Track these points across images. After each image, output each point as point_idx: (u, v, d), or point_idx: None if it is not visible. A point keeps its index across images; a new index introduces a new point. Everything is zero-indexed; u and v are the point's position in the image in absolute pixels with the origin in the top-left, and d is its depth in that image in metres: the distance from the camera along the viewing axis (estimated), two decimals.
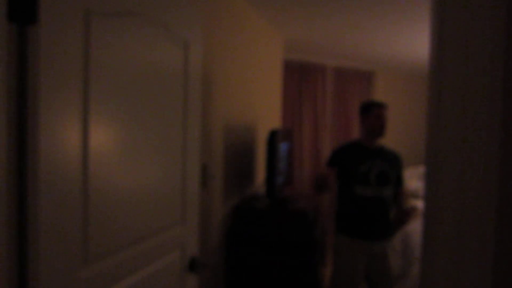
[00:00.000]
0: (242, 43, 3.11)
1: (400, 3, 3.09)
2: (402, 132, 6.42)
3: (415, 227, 3.70)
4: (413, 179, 5.74)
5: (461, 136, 0.98)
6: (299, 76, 5.34)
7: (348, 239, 2.67)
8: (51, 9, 0.94)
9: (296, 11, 3.46)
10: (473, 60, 0.94)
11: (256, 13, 3.48)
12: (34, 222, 0.93)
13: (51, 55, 0.94)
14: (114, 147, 1.20)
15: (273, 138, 2.82)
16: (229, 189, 2.87)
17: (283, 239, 2.76)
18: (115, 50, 1.17)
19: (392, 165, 2.74)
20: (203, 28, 1.82)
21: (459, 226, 1.01)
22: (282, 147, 3.13)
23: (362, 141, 2.80)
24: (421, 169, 5.86)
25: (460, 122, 0.98)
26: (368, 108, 2.75)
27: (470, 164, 0.96)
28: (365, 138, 2.78)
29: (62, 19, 0.97)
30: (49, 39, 0.93)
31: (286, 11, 3.47)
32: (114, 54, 1.16)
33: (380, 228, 2.67)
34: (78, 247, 1.07)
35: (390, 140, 6.19)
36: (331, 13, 3.46)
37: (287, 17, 3.64)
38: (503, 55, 0.86)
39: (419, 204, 5.05)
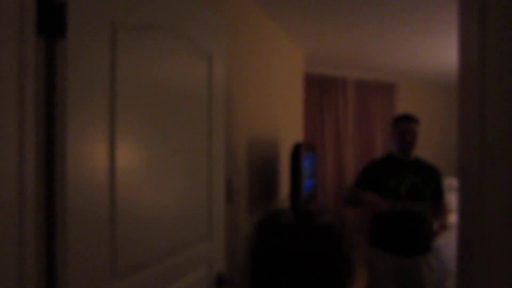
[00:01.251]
0: (262, 57, 3.11)
1: (422, 12, 3.04)
2: (426, 144, 6.29)
3: (446, 241, 3.58)
4: None
5: (510, 146, 0.93)
6: (320, 90, 5.31)
7: (380, 251, 2.58)
8: (78, 23, 0.94)
9: (316, 24, 3.45)
10: None
11: (276, 27, 3.49)
12: (63, 237, 0.92)
13: (79, 68, 0.94)
14: (140, 162, 1.19)
15: (297, 151, 2.79)
16: (254, 203, 2.84)
17: (309, 253, 2.70)
18: (141, 63, 1.17)
19: (426, 179, 2.62)
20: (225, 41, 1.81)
21: (503, 240, 0.96)
22: (306, 160, 3.09)
23: (395, 154, 2.72)
24: (448, 181, 5.70)
25: (508, 131, 0.93)
26: (395, 123, 2.70)
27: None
28: (397, 150, 2.70)
29: (89, 32, 0.98)
30: (77, 52, 0.93)
31: (306, 24, 3.46)
32: (139, 67, 1.16)
33: (412, 243, 2.55)
34: (106, 262, 1.05)
35: (414, 152, 6.08)
36: (351, 25, 3.44)
37: (307, 30, 3.63)
38: None
39: (449, 217, 4.90)
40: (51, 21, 0.90)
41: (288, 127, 3.98)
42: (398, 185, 2.55)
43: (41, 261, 0.90)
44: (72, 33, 0.92)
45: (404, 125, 2.62)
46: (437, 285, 3.29)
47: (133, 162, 1.16)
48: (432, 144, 6.32)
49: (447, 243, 3.48)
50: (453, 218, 4.60)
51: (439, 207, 2.69)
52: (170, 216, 1.34)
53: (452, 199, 5.21)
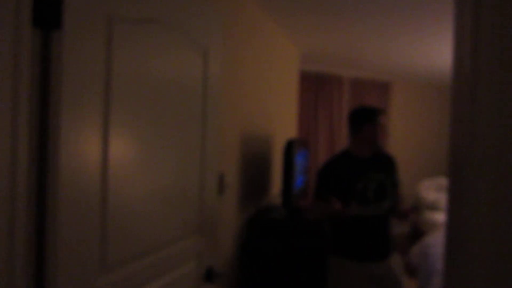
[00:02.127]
0: (257, 53, 3.11)
1: (417, 11, 3.05)
2: (419, 143, 6.33)
3: (433, 240, 3.62)
4: (431, 191, 5.65)
5: (499, 146, 0.94)
6: (316, 87, 5.33)
7: (345, 261, 2.31)
8: (74, 14, 0.94)
9: (312, 21, 3.45)
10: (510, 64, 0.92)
11: (272, 23, 3.49)
12: (53, 228, 0.92)
13: (74, 60, 0.94)
14: (133, 156, 1.20)
15: (289, 148, 2.80)
16: (245, 199, 2.85)
17: (300, 249, 2.72)
18: (136, 56, 1.17)
19: (388, 173, 2.38)
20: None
21: (492, 240, 0.98)
22: (298, 157, 3.10)
23: (353, 151, 2.39)
24: (439, 181, 5.76)
25: (497, 131, 0.95)
26: (370, 117, 2.33)
27: (508, 175, 0.92)
28: (358, 148, 2.38)
29: (85, 24, 0.97)
30: (72, 44, 0.93)
31: (303, 22, 3.47)
32: (135, 60, 1.16)
33: (380, 247, 2.34)
34: (96, 255, 1.05)
35: (407, 151, 6.13)
36: (347, 23, 3.45)
37: (303, 27, 3.64)
38: None
39: (438, 216, 4.96)
40: (47, 12, 0.90)
41: (282, 123, 3.99)
42: (365, 188, 2.29)
43: (31, 252, 0.90)
44: (68, 25, 0.92)
45: (383, 120, 2.34)
46: (423, 283, 3.34)
47: (126, 155, 1.16)
48: (427, 143, 6.36)
49: (434, 242, 3.52)
50: (441, 218, 4.66)
51: (396, 196, 2.44)
52: (162, 210, 1.34)
53: (443, 199, 5.26)
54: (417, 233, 5.34)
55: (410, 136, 6.25)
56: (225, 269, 2.48)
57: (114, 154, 1.09)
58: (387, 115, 2.43)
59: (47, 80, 0.91)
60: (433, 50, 4.27)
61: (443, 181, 5.67)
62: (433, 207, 5.37)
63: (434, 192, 5.61)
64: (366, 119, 2.33)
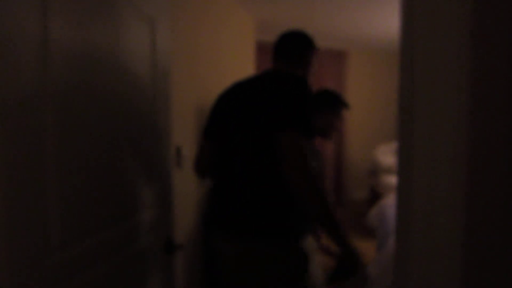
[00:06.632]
0: (210, 23, 3.05)
1: None
2: (377, 109, 6.49)
3: (390, 201, 3.77)
4: (388, 155, 5.84)
5: (432, 111, 0.98)
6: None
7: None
8: None
9: None
10: (441, 36, 0.94)
11: None
12: None
13: (5, 34, 0.89)
14: (76, 130, 1.15)
15: None
16: None
17: None
18: (75, 29, 1.11)
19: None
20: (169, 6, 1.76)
21: (430, 198, 1.02)
22: None
23: None
24: (393, 145, 5.95)
25: (431, 96, 0.98)
26: (336, 106, 2.12)
27: (440, 136, 0.96)
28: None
29: None
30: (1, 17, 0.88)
31: None
32: (74, 34, 1.11)
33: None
34: (39, 236, 1.01)
35: (365, 117, 6.28)
36: None
37: None
38: (470, 35, 0.86)
39: (395, 180, 5.15)
40: None
41: None
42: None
43: None
44: None
45: (343, 115, 2.13)
46: (381, 243, 3.49)
47: (66, 130, 1.12)
48: (384, 109, 6.53)
49: (391, 203, 3.67)
50: (393, 180, 4.84)
51: None
52: (112, 184, 1.32)
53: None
54: (375, 196, 5.55)
55: (368, 103, 6.39)
56: (187, 240, 2.50)
57: (52, 129, 1.05)
58: (347, 110, 2.13)
59: None
60: (378, 18, 4.33)
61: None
62: (390, 170, 5.56)
63: (390, 156, 5.80)
64: (332, 107, 2.12)
